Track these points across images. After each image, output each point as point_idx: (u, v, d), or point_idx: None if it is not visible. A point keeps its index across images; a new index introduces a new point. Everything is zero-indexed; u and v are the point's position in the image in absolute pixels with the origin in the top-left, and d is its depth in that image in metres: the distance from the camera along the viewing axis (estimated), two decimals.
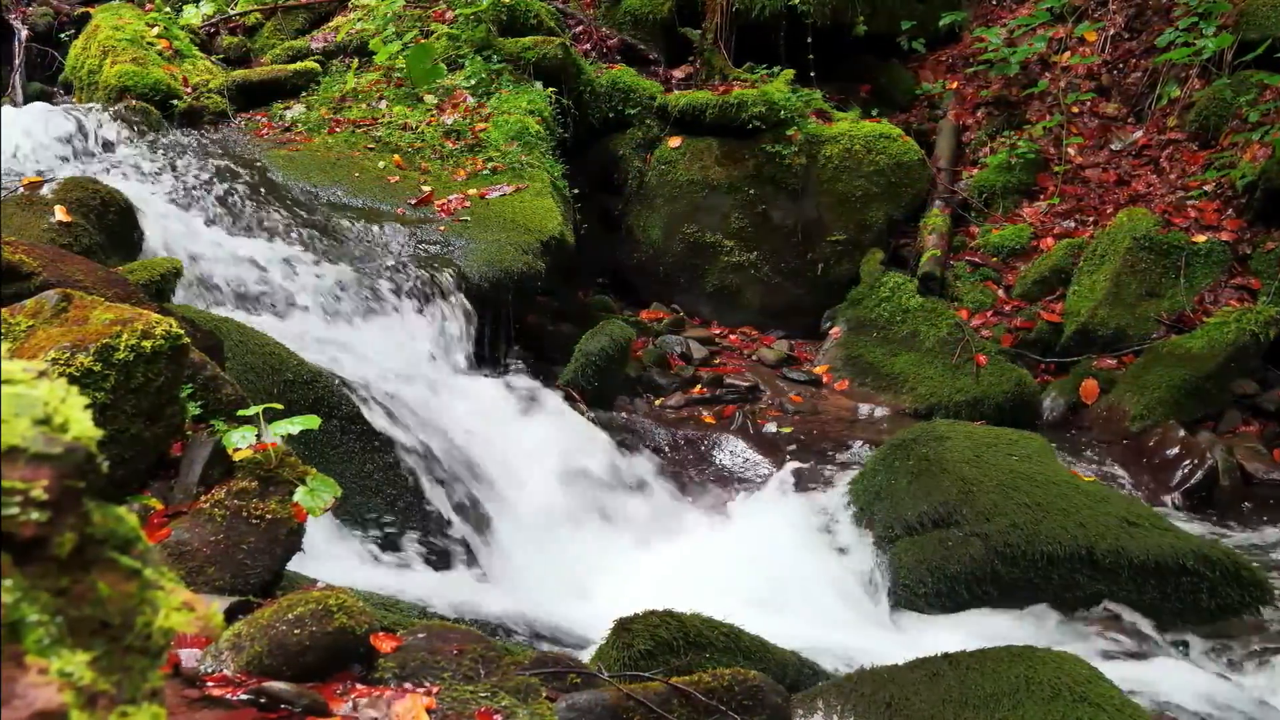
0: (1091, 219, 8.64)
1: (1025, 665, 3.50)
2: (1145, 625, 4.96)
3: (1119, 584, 5.00)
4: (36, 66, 9.83)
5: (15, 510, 0.76)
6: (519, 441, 5.96)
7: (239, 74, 8.89)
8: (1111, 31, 9.77)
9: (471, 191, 7.47)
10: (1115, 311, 7.78)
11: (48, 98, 9.29)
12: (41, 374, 0.83)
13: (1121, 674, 3.88)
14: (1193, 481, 6.50)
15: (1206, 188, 8.41)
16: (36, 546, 0.77)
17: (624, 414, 7.08)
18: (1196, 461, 6.58)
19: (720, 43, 9.89)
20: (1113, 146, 9.17)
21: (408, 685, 2.65)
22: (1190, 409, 7.12)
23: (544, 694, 2.82)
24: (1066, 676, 3.46)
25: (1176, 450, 6.71)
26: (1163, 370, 7.25)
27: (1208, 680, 4.60)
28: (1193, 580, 5.00)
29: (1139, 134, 9.16)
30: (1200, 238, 7.94)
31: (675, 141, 9.02)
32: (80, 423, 0.82)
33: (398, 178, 7.61)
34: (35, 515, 0.76)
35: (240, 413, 3.32)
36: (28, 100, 9.14)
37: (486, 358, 6.75)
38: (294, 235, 6.67)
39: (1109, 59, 9.71)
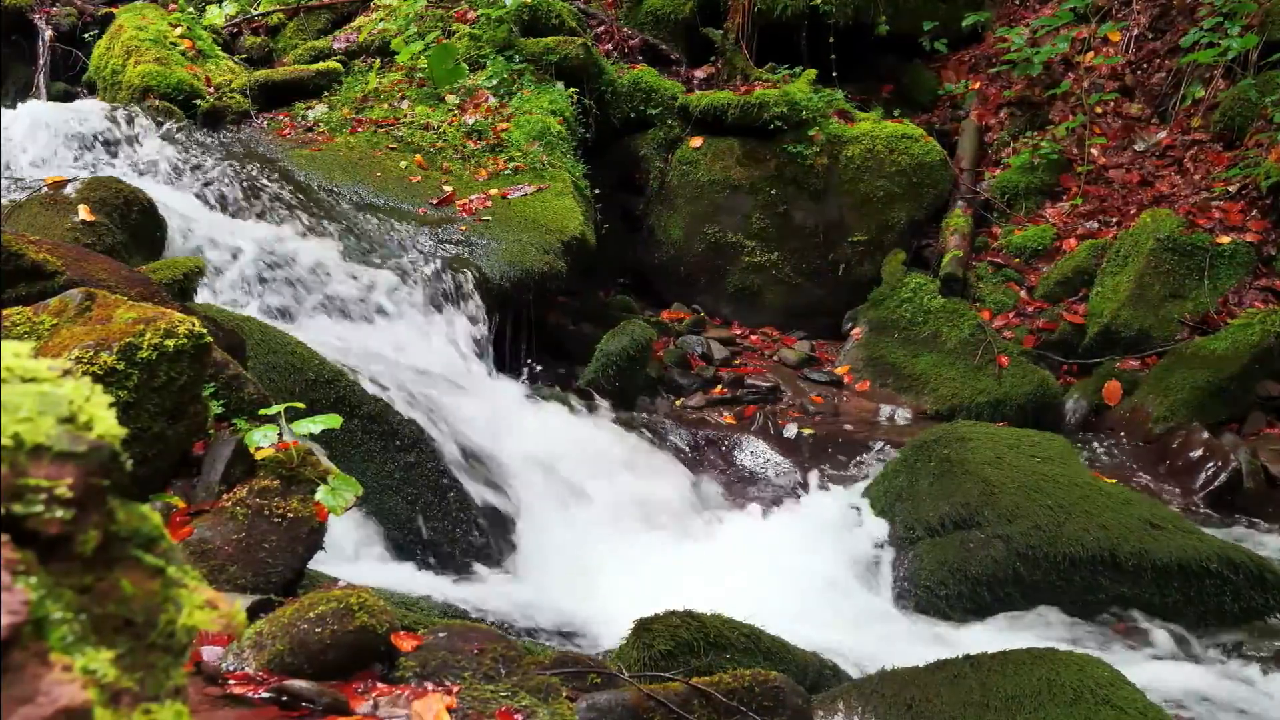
0: (1115, 220, 8.60)
1: (1047, 667, 3.49)
2: (1168, 629, 4.93)
3: (1142, 587, 4.98)
4: (60, 66, 9.87)
5: (40, 508, 0.76)
6: (539, 440, 5.97)
7: (261, 74, 8.91)
8: (1135, 31, 9.72)
9: (493, 191, 7.48)
10: (1138, 313, 7.74)
11: (71, 97, 9.34)
12: (66, 372, 0.83)
13: (1144, 677, 3.86)
14: (1216, 484, 6.46)
15: (1231, 188, 8.37)
16: (61, 544, 0.77)
17: (645, 414, 7.08)
18: (1220, 464, 6.54)
19: (742, 43, 9.88)
20: (1136, 147, 9.13)
21: (429, 684, 2.66)
22: (1214, 411, 7.08)
23: (564, 694, 2.82)
24: (1089, 679, 3.44)
25: (1200, 452, 6.67)
26: (1186, 372, 7.21)
27: (1231, 684, 4.57)
28: (1216, 583, 4.97)
29: (1163, 134, 9.11)
30: (1225, 239, 7.89)
31: (697, 142, 9.01)
32: (104, 421, 0.82)
33: (419, 177, 7.62)
34: (60, 513, 0.76)
35: (262, 411, 3.33)
36: (51, 100, 9.19)
37: (507, 357, 6.76)
38: (315, 235, 6.68)
39: (1133, 59, 9.66)
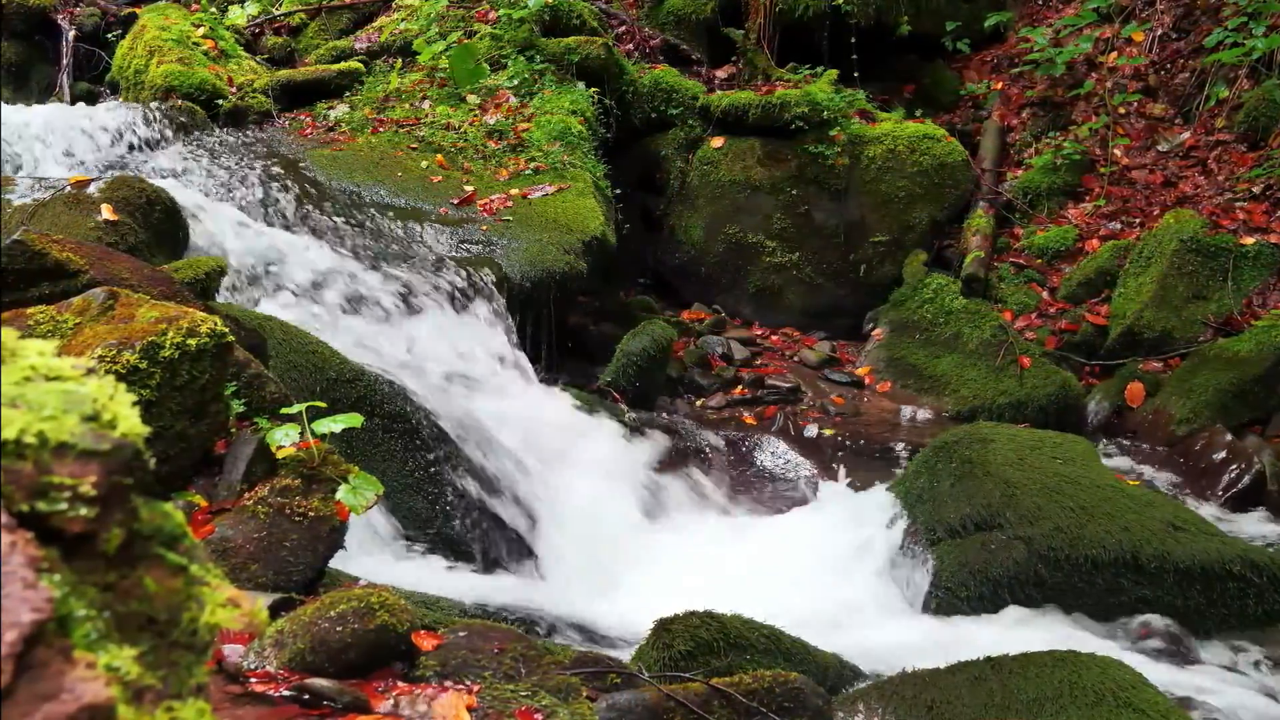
0: (1138, 220, 8.56)
1: (1069, 670, 3.48)
2: (1190, 632, 4.90)
3: (1164, 589, 4.95)
4: (83, 66, 9.92)
5: (64, 506, 0.76)
6: (560, 440, 5.97)
7: (283, 74, 8.94)
8: (1159, 32, 9.68)
9: (514, 191, 7.48)
10: (1161, 314, 7.70)
11: (94, 97, 9.38)
12: (89, 371, 0.84)
13: (1166, 680, 3.85)
14: (1239, 486, 6.43)
15: (1255, 189, 8.32)
16: (84, 542, 0.77)
17: (665, 414, 7.07)
18: (1243, 466, 6.51)
19: (763, 43, 9.87)
20: (1160, 148, 9.09)
21: (449, 683, 2.66)
22: (1237, 412, 7.04)
23: (584, 693, 2.82)
24: (1110, 681, 3.43)
25: (1223, 454, 6.63)
26: (1209, 373, 7.18)
27: (1253, 688, 4.55)
28: (1239, 586, 4.95)
29: (1186, 135, 9.07)
30: (1248, 240, 7.84)
31: (718, 142, 9.01)
32: (128, 419, 0.82)
33: (440, 177, 7.63)
34: (83, 511, 0.77)
35: (283, 410, 3.34)
36: (74, 100, 9.24)
37: (527, 357, 6.75)
38: (336, 234, 6.70)
39: (1156, 59, 9.62)
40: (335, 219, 6.87)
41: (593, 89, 8.60)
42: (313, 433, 3.23)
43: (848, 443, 6.98)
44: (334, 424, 3.23)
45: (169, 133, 7.55)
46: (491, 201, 7.35)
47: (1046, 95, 9.68)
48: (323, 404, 3.47)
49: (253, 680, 2.48)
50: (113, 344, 2.83)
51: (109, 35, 9.86)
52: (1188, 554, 4.96)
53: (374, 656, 2.61)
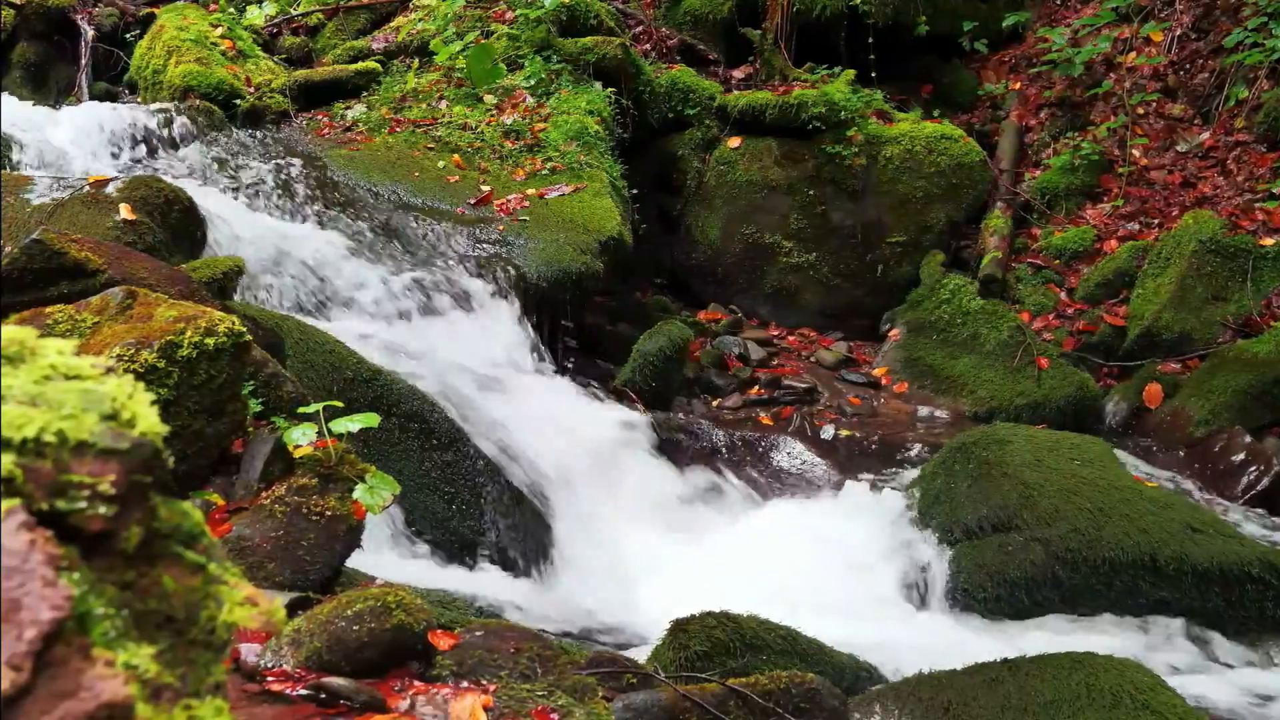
0: (1156, 221, 8.53)
1: (1086, 672, 3.47)
2: (1209, 634, 4.89)
3: (1182, 591, 4.93)
4: (102, 66, 9.95)
5: (83, 504, 0.76)
6: (575, 440, 5.97)
7: (301, 74, 8.96)
8: (1178, 31, 9.64)
9: (530, 191, 7.49)
10: (1180, 315, 7.67)
11: (113, 97, 9.41)
12: (108, 370, 0.84)
13: (1184, 682, 3.83)
14: (1259, 488, 6.40)
15: (1275, 190, 8.28)
16: (103, 540, 0.77)
17: (681, 414, 7.07)
18: (1262, 468, 6.48)
19: (780, 43, 9.85)
20: (1178, 148, 9.05)
21: (465, 683, 2.66)
22: (1256, 414, 7.00)
23: (600, 694, 2.82)
24: (1128, 684, 3.42)
25: (1242, 456, 6.60)
26: (1228, 375, 7.14)
27: (1273, 690, 4.53)
28: (1258, 588, 4.93)
29: (1205, 135, 9.03)
30: (1268, 241, 7.80)
31: (735, 142, 9.00)
32: (147, 418, 0.82)
33: (457, 177, 7.64)
34: (103, 509, 0.77)
35: (301, 410, 3.35)
36: (93, 99, 9.26)
37: (544, 357, 6.76)
38: (353, 233, 6.71)
39: (1175, 59, 9.58)
40: (350, 218, 6.88)
41: (609, 89, 8.59)
42: (330, 432, 3.23)
43: (864, 443, 6.97)
44: (351, 423, 3.23)
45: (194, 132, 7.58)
46: (508, 201, 7.36)
47: (1065, 95, 9.64)
48: (340, 403, 3.47)
49: (270, 679, 2.49)
50: (131, 343, 2.84)
51: (127, 35, 9.89)
52: (1206, 556, 4.95)
53: (391, 656, 2.61)
